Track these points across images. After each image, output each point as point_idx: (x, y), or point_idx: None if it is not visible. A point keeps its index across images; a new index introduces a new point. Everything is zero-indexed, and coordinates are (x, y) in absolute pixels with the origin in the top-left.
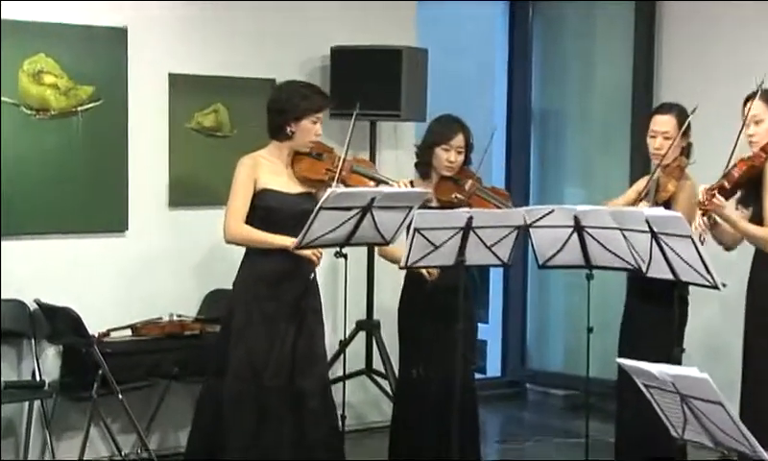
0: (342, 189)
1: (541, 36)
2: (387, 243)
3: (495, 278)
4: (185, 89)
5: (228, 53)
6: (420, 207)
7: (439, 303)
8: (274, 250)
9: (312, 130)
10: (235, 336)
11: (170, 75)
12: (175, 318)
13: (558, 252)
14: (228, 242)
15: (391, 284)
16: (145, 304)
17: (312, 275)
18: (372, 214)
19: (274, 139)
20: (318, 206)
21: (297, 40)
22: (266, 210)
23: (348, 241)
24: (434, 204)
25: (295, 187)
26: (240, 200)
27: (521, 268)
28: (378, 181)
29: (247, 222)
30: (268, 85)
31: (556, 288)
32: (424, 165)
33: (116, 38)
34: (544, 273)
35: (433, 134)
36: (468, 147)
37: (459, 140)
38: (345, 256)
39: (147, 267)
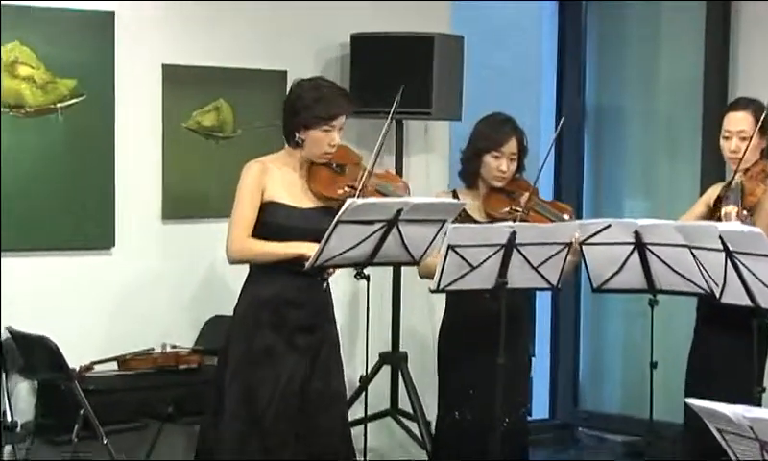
0: (363, 200)
1: (596, 24)
2: (416, 262)
3: (543, 303)
4: (182, 83)
5: (232, 41)
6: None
7: (488, 331)
8: (281, 270)
9: (323, 140)
10: (231, 371)
11: (164, 66)
12: (169, 349)
13: (615, 273)
14: (233, 261)
15: (420, 310)
16: (134, 333)
17: (324, 285)
18: (398, 229)
19: (288, 144)
20: (335, 220)
21: (311, 26)
22: (272, 227)
23: (370, 260)
24: (481, 218)
25: (308, 201)
26: (247, 209)
27: (573, 292)
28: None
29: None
30: (278, 79)
31: (613, 316)
32: (470, 174)
33: (102, 24)
34: (600, 298)
35: (481, 138)
36: (523, 153)
37: (512, 146)
38: (366, 278)
39: (137, 290)
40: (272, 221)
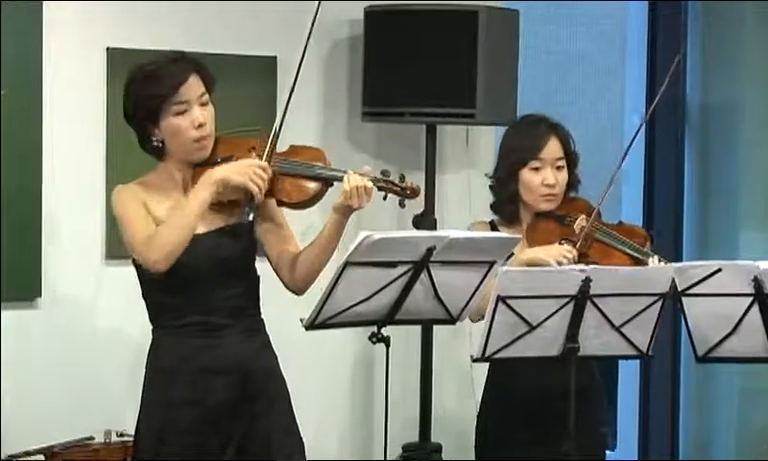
0: (380, 234)
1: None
2: (453, 320)
3: (627, 377)
4: None
5: (200, 17)
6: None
7: (542, 416)
8: (185, 318)
9: (183, 125)
10: None
11: (109, 51)
12: (114, 437)
13: (728, 336)
14: (163, 264)
15: (458, 387)
16: (67, 414)
17: (251, 216)
18: (429, 273)
19: (159, 161)
20: (342, 262)
21: None
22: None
23: (390, 317)
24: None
25: (202, 224)
26: (141, 220)
27: (670, 362)
28: (324, 179)
29: (142, 296)
30: (265, 67)
31: (726, 395)
32: (507, 202)
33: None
34: (707, 371)
35: (512, 150)
36: (572, 159)
37: (553, 149)
38: (386, 341)
39: (70, 355)
40: None
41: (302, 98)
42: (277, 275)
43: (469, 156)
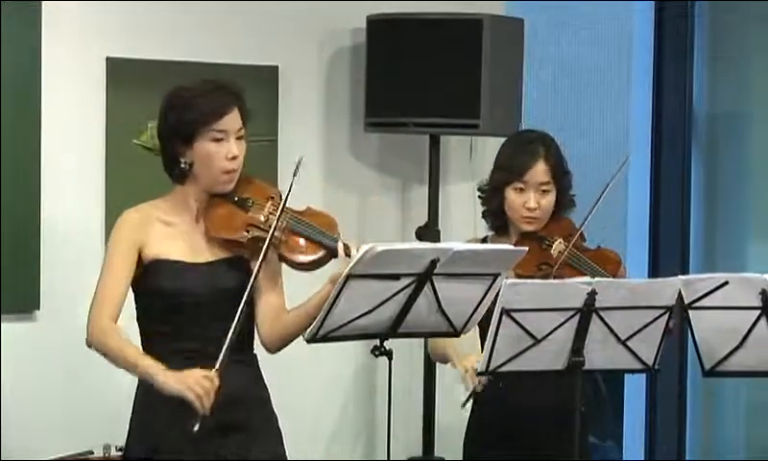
0: (384, 246)
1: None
2: (456, 334)
3: (633, 391)
4: (133, 83)
5: (201, 27)
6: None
7: (537, 434)
8: (180, 344)
9: (217, 153)
10: None
11: (109, 61)
12: (113, 451)
13: (735, 350)
14: (91, 346)
15: (461, 398)
16: (66, 428)
17: (195, 425)
18: (432, 286)
19: (174, 183)
20: (345, 274)
21: (312, 6)
22: (153, 295)
23: (393, 331)
24: (511, 277)
25: (208, 254)
26: (114, 277)
27: (676, 376)
28: (328, 248)
29: (137, 312)
30: (266, 77)
31: (732, 411)
32: (495, 215)
33: (25, 7)
34: (714, 385)
35: (500, 165)
36: (561, 180)
37: (539, 172)
38: (389, 355)
39: (69, 368)
40: (153, 287)
41: (305, 107)
42: (257, 326)
43: (473, 166)
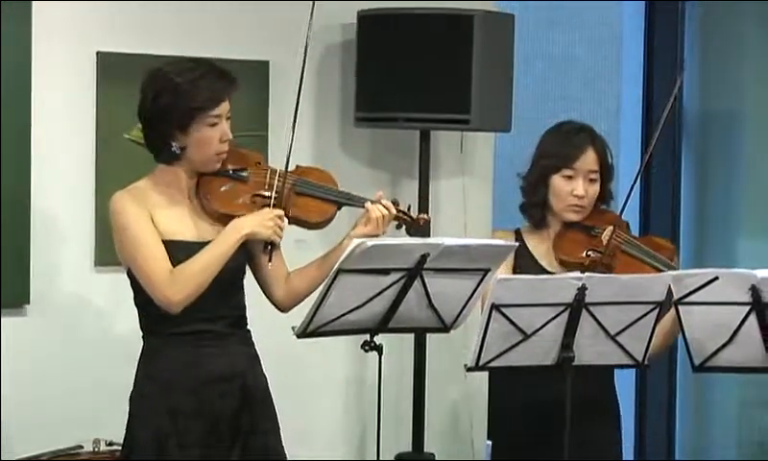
0: (373, 242)
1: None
2: (446, 329)
3: (625, 387)
4: (123, 78)
5: (192, 21)
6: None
7: (549, 425)
8: (190, 326)
9: (213, 138)
10: None
11: (99, 55)
12: (103, 446)
13: (725, 345)
14: (179, 306)
15: (454, 396)
16: (56, 424)
17: (270, 257)
18: (422, 281)
19: (160, 163)
20: (335, 269)
21: (303, 2)
22: None
23: (383, 325)
24: (551, 267)
25: (208, 231)
26: (150, 238)
27: (666, 371)
28: (341, 204)
29: (136, 303)
30: (257, 72)
31: (723, 407)
32: (534, 206)
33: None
34: (704, 380)
35: (546, 155)
36: (607, 171)
37: (589, 161)
38: (378, 350)
39: (58, 363)
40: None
41: (294, 102)
42: (266, 289)
43: (464, 162)
